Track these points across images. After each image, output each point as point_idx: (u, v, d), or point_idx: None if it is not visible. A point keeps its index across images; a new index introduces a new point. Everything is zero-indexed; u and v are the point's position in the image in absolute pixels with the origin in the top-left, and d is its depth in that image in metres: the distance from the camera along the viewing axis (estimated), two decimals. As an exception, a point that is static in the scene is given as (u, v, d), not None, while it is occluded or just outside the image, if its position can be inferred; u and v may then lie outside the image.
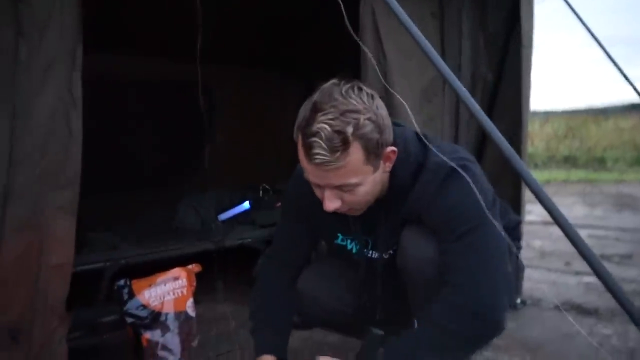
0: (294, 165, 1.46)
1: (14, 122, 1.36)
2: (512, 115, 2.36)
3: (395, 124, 1.27)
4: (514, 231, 1.52)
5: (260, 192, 2.98)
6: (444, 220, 1.22)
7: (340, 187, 1.17)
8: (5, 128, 1.35)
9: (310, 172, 1.17)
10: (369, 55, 1.62)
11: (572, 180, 8.01)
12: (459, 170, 1.15)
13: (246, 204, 2.77)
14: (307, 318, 1.54)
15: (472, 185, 1.14)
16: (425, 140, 1.24)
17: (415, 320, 1.38)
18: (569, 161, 9.78)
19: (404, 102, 1.20)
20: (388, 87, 1.58)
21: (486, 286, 1.17)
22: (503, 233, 1.14)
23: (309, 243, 1.51)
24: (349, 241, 1.42)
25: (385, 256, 1.37)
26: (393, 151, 1.21)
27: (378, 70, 1.60)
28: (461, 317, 1.16)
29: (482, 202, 1.13)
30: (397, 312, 1.43)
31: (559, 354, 1.93)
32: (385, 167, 1.22)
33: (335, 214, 1.35)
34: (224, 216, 2.73)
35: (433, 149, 1.20)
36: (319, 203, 1.24)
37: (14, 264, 1.37)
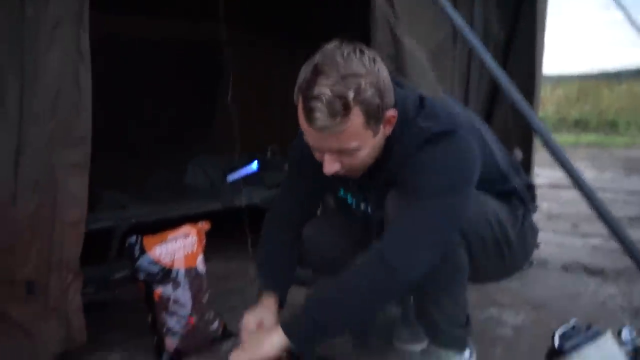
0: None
1: (23, 80, 1.36)
2: (525, 74, 2.33)
3: (398, 85, 1.27)
4: (527, 193, 1.50)
5: (269, 153, 2.99)
6: (408, 174, 1.21)
7: (339, 151, 1.17)
8: (15, 87, 1.35)
9: (310, 136, 1.17)
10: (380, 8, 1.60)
11: (583, 143, 7.95)
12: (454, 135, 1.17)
13: (254, 165, 2.79)
14: (309, 265, 1.57)
15: (452, 154, 1.16)
16: (426, 102, 1.24)
17: None
18: (580, 125, 9.68)
19: (420, 56, 1.19)
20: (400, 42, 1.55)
21: (410, 241, 1.18)
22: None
23: (313, 199, 1.53)
24: (349, 196, 1.44)
25: (377, 213, 1.37)
26: (393, 115, 1.20)
27: (389, 25, 1.58)
28: (368, 259, 1.18)
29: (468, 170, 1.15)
30: None
31: (563, 311, 1.96)
32: (385, 130, 1.22)
33: None
34: (232, 177, 2.75)
35: (430, 109, 1.20)
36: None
37: (28, 220, 1.39)
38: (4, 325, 1.40)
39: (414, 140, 1.21)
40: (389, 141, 1.25)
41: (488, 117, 2.38)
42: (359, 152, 1.18)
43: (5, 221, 1.34)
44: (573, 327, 0.84)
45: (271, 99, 3.56)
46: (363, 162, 1.22)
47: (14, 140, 1.36)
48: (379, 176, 1.30)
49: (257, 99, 3.54)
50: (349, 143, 1.15)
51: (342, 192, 1.46)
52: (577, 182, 0.87)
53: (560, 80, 13.14)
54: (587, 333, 0.82)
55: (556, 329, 0.85)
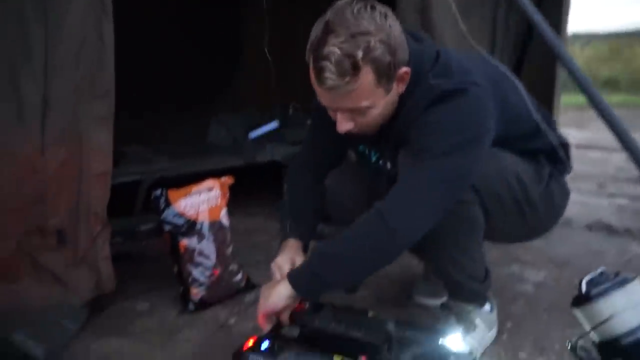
0: None
1: (47, 31, 1.36)
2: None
3: (415, 39, 1.23)
4: (556, 152, 1.43)
5: (291, 110, 2.98)
6: (416, 134, 1.19)
7: (351, 110, 1.16)
8: (39, 37, 1.36)
9: (321, 95, 1.17)
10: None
11: (612, 103, 7.69)
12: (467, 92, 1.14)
13: (276, 122, 2.78)
14: (330, 217, 1.57)
15: (463, 111, 1.13)
16: (442, 57, 1.21)
17: None
18: (610, 84, 9.36)
19: (453, 7, 1.15)
20: None
21: (410, 203, 1.16)
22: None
23: (335, 150, 1.52)
24: (367, 150, 1.44)
25: (391, 168, 1.36)
26: (406, 72, 1.17)
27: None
28: (369, 218, 1.17)
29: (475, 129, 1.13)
30: None
31: (587, 269, 1.91)
32: (398, 88, 1.19)
33: None
34: (254, 134, 2.76)
35: (445, 64, 1.17)
36: None
37: (57, 171, 1.42)
38: (37, 273, 1.45)
39: (423, 99, 1.19)
40: (402, 98, 1.23)
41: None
42: (371, 110, 1.17)
43: (35, 171, 1.37)
44: (601, 274, 0.83)
45: (293, 55, 3.51)
46: (376, 120, 1.21)
47: (41, 91, 1.38)
48: (390, 135, 1.29)
49: (279, 54, 3.50)
50: (360, 102, 1.14)
51: (360, 147, 1.45)
52: (626, 142, 0.82)
53: (590, 39, 12.66)
54: (615, 280, 0.81)
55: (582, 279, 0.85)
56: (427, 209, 1.18)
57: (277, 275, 1.30)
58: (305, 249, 1.44)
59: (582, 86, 0.84)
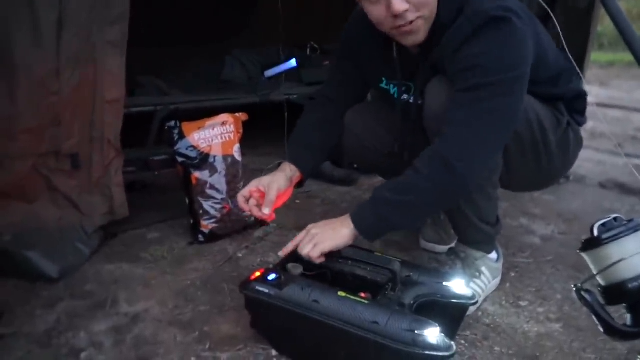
0: (343, 25, 1.46)
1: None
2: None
3: None
4: (575, 102, 1.43)
5: (308, 50, 2.92)
6: (461, 68, 1.16)
7: None
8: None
9: None
10: None
11: None
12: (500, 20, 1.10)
13: (293, 62, 2.73)
14: (345, 151, 1.56)
15: (511, 39, 1.09)
16: None
17: None
18: None
19: None
20: None
21: (471, 145, 1.15)
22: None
23: (359, 83, 1.50)
24: (392, 85, 1.41)
25: (420, 102, 1.34)
26: None
27: None
28: (434, 165, 1.16)
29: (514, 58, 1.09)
30: None
31: (595, 226, 1.94)
32: None
33: (382, 57, 1.35)
34: (270, 72, 2.71)
35: None
36: (370, 45, 1.26)
37: (71, 95, 1.42)
38: (52, 195, 1.48)
39: (469, 23, 1.15)
40: (437, 19, 1.19)
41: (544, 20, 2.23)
42: None
43: (50, 93, 1.36)
44: (615, 219, 0.82)
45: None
46: (429, 5, 1.16)
47: (56, 13, 1.36)
48: (427, 59, 1.26)
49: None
50: None
51: (384, 83, 1.42)
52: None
53: (624, -6, 12.13)
54: (628, 224, 0.80)
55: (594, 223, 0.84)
56: (490, 149, 1.19)
57: (239, 199, 1.33)
58: (302, 181, 1.43)
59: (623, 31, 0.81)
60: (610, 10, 0.79)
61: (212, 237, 1.70)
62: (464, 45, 1.15)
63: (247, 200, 1.34)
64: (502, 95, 1.13)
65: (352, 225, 1.21)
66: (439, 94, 1.24)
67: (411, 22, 1.16)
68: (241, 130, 1.77)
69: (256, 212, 1.32)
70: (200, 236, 1.69)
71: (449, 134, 1.16)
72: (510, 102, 1.15)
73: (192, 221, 1.72)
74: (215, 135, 1.69)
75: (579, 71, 1.36)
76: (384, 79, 1.42)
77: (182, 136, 1.65)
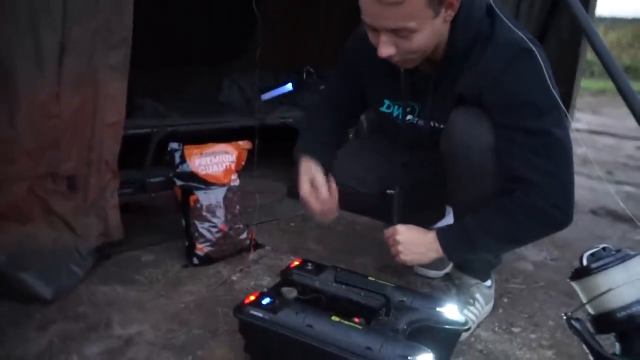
0: (339, 49, 1.49)
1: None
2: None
3: None
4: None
5: (304, 74, 2.95)
6: (512, 105, 1.16)
7: (396, 32, 1.11)
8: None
9: (368, 10, 1.11)
10: None
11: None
12: (532, 51, 1.12)
13: (289, 86, 2.76)
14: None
15: (544, 72, 1.11)
16: (498, 12, 1.17)
17: (452, 207, 1.40)
18: (630, 72, 9.18)
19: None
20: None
21: (561, 190, 1.18)
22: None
23: (356, 102, 1.51)
24: (395, 107, 1.40)
25: (432, 124, 1.33)
26: None
27: None
28: (532, 214, 1.18)
29: (554, 92, 1.12)
30: (429, 189, 1.45)
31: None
32: (447, 15, 1.14)
33: (386, 77, 1.35)
34: (266, 96, 2.74)
35: (507, 21, 1.15)
36: (373, 63, 1.25)
37: (71, 117, 1.43)
38: (48, 217, 1.48)
39: (500, 53, 1.16)
40: (450, 40, 1.19)
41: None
42: (417, 34, 1.11)
43: (50, 116, 1.38)
44: (603, 249, 0.84)
45: (309, 18, 3.47)
46: (419, 47, 1.15)
47: (58, 37, 1.37)
48: (446, 82, 1.26)
49: (295, 18, 3.45)
50: (407, 22, 1.08)
51: (385, 106, 1.41)
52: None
53: (615, 23, 12.37)
54: (616, 255, 0.82)
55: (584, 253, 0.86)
56: (573, 187, 1.21)
57: (306, 187, 1.37)
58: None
59: (605, 64, 0.84)
60: (595, 46, 0.82)
61: (207, 260, 1.70)
62: (504, 78, 1.16)
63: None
64: (558, 127, 1.16)
65: (440, 252, 1.26)
66: (471, 125, 1.23)
67: (401, 59, 1.19)
68: (244, 161, 1.79)
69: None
70: (195, 259, 1.69)
71: (535, 184, 1.17)
72: (565, 134, 1.18)
73: (187, 243, 1.72)
74: (216, 163, 1.71)
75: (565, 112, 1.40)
76: (386, 100, 1.41)
77: (183, 159, 1.67)
